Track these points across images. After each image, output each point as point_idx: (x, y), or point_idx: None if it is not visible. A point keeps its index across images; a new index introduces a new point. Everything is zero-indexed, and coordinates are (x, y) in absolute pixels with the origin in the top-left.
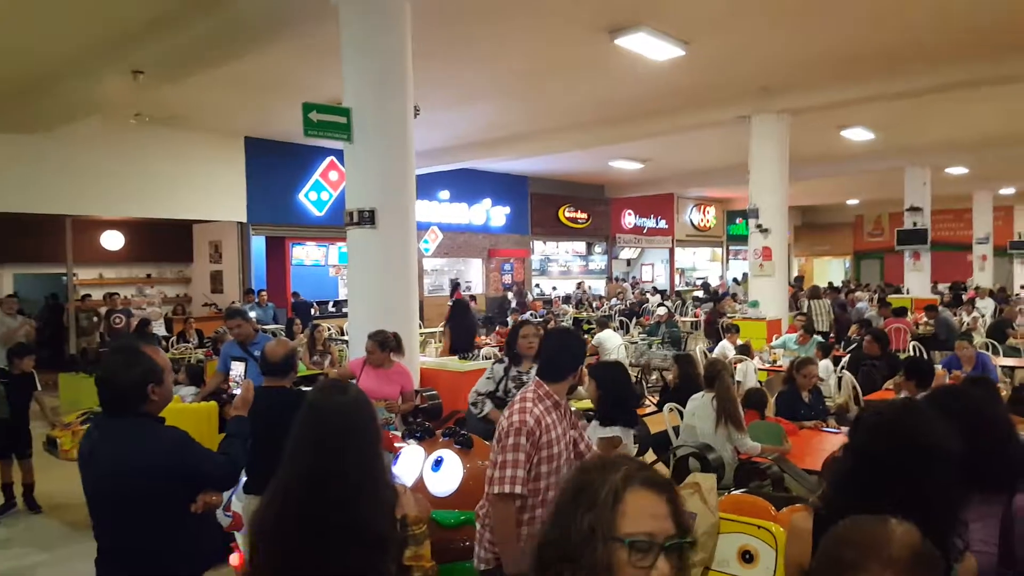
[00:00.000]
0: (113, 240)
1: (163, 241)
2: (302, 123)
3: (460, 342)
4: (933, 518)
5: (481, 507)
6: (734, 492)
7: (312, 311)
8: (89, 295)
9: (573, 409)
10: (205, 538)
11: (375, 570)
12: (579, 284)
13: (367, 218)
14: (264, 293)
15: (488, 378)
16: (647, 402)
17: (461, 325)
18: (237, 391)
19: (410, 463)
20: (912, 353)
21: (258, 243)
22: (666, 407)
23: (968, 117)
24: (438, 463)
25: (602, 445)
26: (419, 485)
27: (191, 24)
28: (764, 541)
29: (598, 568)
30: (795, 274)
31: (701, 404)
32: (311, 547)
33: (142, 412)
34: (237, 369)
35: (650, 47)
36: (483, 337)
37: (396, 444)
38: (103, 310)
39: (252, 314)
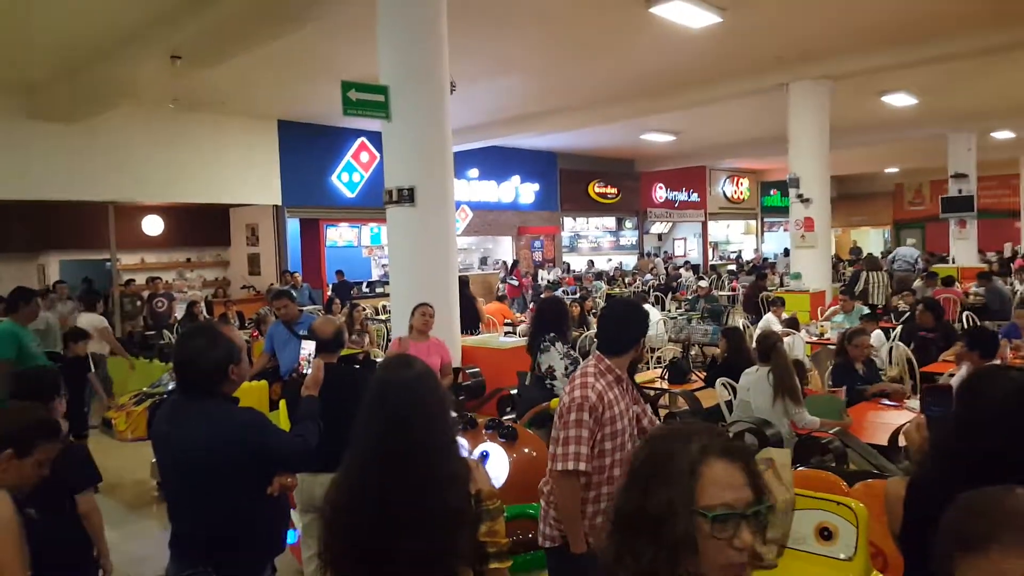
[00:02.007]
0: (154, 225)
1: (201, 225)
2: (340, 102)
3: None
4: None
5: (545, 483)
6: (799, 468)
7: (351, 291)
8: (133, 280)
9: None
10: (279, 520)
11: (450, 547)
12: (606, 261)
13: (407, 196)
14: (298, 275)
15: (562, 358)
16: (693, 377)
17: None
18: (308, 371)
19: None
20: (966, 324)
21: (293, 225)
22: (718, 382)
23: (1015, 79)
24: (484, 458)
25: None
26: None
27: (226, 3)
28: (844, 517)
29: (680, 544)
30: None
31: (756, 378)
32: (386, 524)
33: (219, 393)
34: (308, 348)
35: (686, 14)
36: (519, 315)
37: None
38: (146, 294)
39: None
